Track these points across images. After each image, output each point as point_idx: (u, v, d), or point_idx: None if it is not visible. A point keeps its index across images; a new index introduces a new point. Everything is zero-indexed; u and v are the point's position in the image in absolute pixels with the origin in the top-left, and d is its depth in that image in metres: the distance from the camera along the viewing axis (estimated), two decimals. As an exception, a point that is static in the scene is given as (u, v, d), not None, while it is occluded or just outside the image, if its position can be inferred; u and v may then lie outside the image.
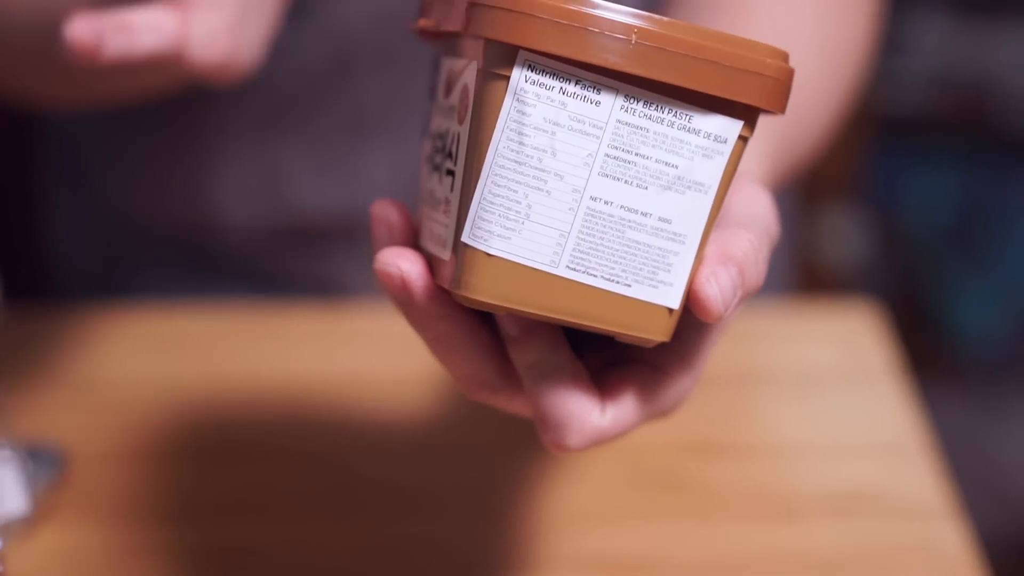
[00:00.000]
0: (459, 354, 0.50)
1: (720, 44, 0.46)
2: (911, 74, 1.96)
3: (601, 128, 0.46)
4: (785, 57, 0.47)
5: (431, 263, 0.49)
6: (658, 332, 0.48)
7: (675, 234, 0.47)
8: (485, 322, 0.51)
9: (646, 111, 0.46)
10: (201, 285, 0.92)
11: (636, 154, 0.46)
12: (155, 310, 0.86)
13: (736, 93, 0.46)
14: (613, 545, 0.69)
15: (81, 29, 0.56)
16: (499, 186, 0.46)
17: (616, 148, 0.46)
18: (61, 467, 0.71)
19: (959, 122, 1.98)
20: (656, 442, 0.76)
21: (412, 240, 0.52)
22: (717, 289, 0.47)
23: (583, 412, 0.49)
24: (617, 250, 0.47)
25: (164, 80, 0.71)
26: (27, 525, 0.68)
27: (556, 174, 0.46)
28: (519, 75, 0.45)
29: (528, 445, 0.75)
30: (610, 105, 0.46)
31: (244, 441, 0.76)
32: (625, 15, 0.45)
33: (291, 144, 0.87)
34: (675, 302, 0.48)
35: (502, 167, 0.46)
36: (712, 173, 0.47)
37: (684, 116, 0.46)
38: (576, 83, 0.45)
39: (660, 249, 0.47)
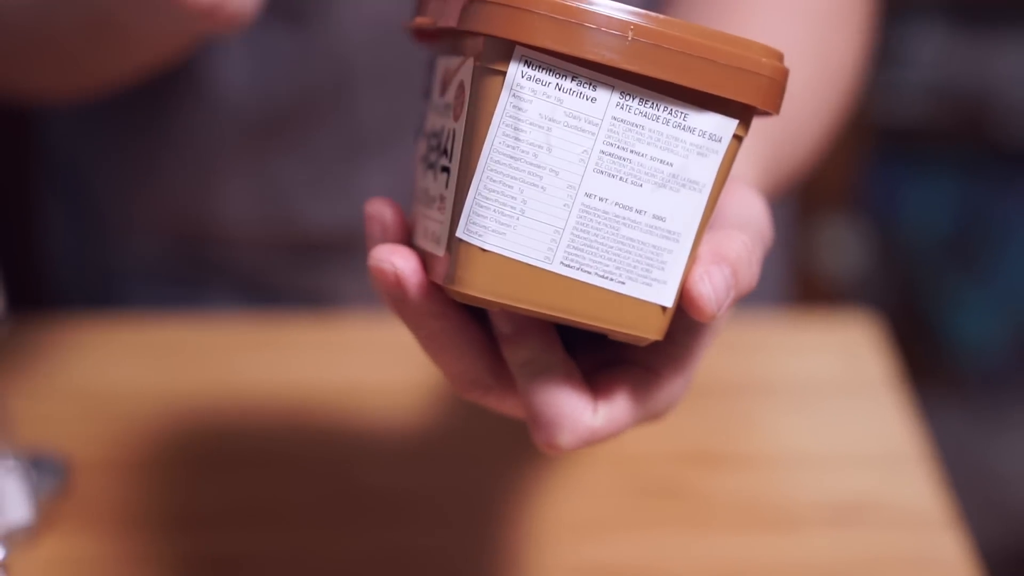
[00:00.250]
0: (451, 352, 0.50)
1: (716, 42, 0.46)
2: (910, 85, 1.96)
3: (597, 125, 0.46)
4: (780, 57, 0.47)
5: (425, 260, 0.49)
6: (651, 330, 0.48)
7: (669, 232, 0.47)
8: (478, 321, 0.51)
9: (642, 108, 0.46)
10: (196, 297, 0.92)
11: (631, 151, 0.46)
12: (154, 320, 0.86)
13: (731, 91, 0.46)
14: (611, 554, 0.69)
15: None
16: (494, 181, 0.46)
17: (611, 145, 0.46)
18: (63, 476, 0.71)
19: (958, 133, 1.98)
20: (654, 452, 0.76)
21: (406, 239, 0.52)
22: (711, 288, 0.47)
23: (575, 411, 0.49)
24: (611, 247, 0.47)
25: (160, 51, 0.70)
26: (30, 534, 0.69)
27: (551, 170, 0.46)
28: (515, 70, 0.45)
29: (526, 453, 0.76)
30: (606, 102, 0.46)
31: (243, 450, 0.76)
32: (621, 12, 0.45)
33: (288, 159, 0.87)
34: (668, 300, 0.48)
35: (497, 163, 0.46)
36: (707, 172, 0.47)
37: (679, 114, 0.46)
38: (572, 79, 0.46)
39: (654, 247, 0.47)
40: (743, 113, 0.47)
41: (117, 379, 0.81)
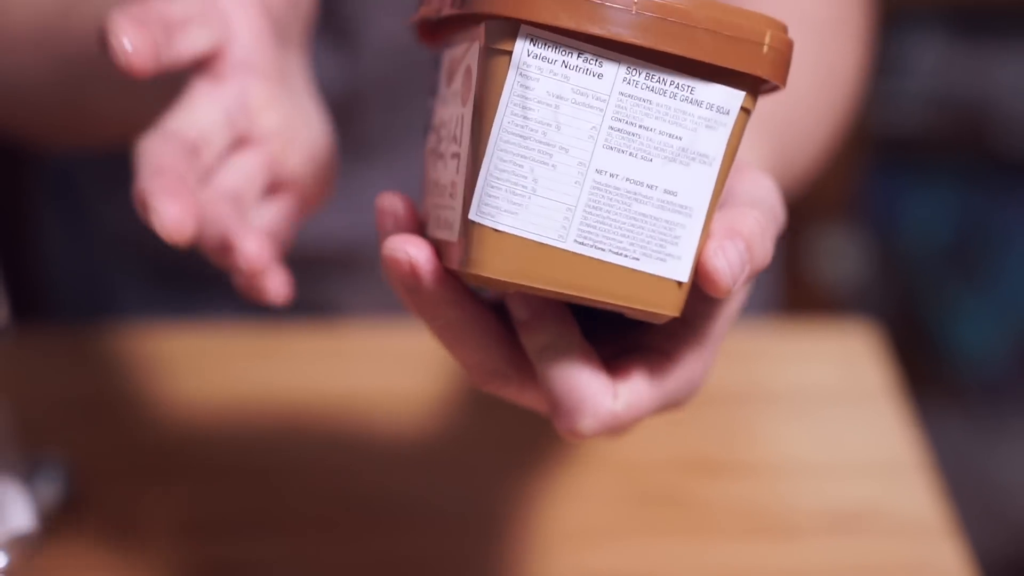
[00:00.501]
0: (468, 342, 0.50)
1: (720, 14, 0.46)
2: (909, 95, 1.96)
3: (604, 100, 0.46)
4: (784, 28, 0.47)
5: (439, 249, 0.49)
6: (668, 306, 0.48)
7: (681, 206, 0.47)
8: (494, 309, 0.51)
9: (648, 82, 0.46)
10: (196, 308, 0.92)
11: (640, 126, 0.46)
12: (155, 330, 0.87)
13: (737, 63, 0.46)
14: (612, 561, 0.69)
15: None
16: (505, 161, 0.46)
17: (620, 120, 0.46)
18: (66, 484, 0.71)
19: (957, 142, 1.98)
20: (655, 459, 0.76)
21: (419, 231, 0.51)
22: (725, 262, 0.47)
23: (596, 395, 0.48)
24: (624, 223, 0.47)
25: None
26: (32, 542, 0.69)
27: (561, 147, 0.46)
28: (521, 49, 0.45)
29: (529, 461, 0.76)
30: (613, 77, 0.46)
31: (245, 458, 0.76)
32: None
33: None
34: (684, 275, 0.47)
35: (507, 142, 0.46)
36: (716, 144, 0.47)
37: (686, 87, 0.46)
38: (578, 55, 0.45)
39: (667, 222, 0.47)
40: (750, 85, 0.47)
41: (119, 388, 0.82)
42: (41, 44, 0.72)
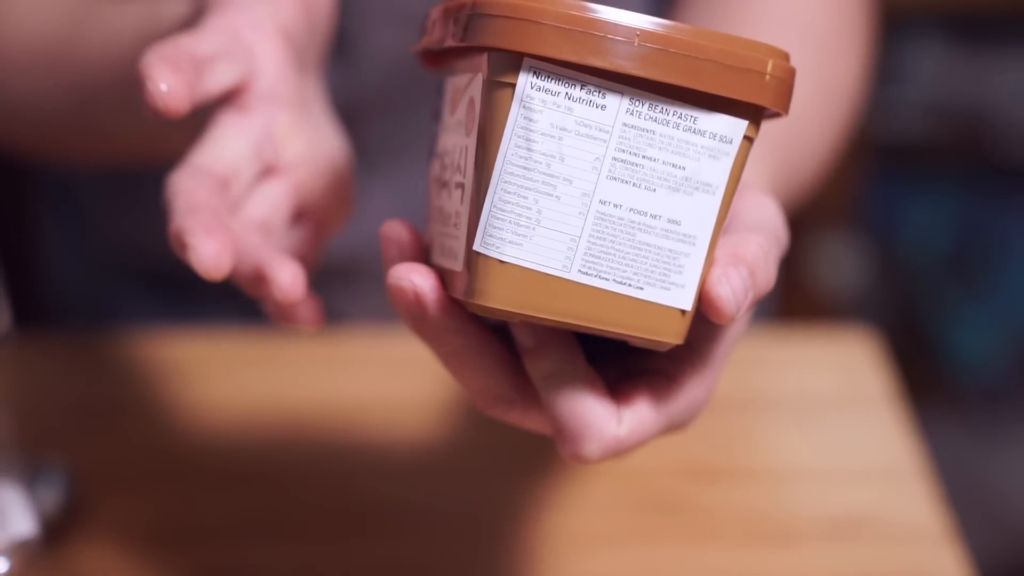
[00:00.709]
0: (474, 368, 0.50)
1: (722, 44, 0.46)
2: (909, 103, 1.97)
3: (608, 131, 0.46)
4: (786, 57, 0.47)
5: (444, 277, 0.49)
6: (671, 334, 0.48)
7: (685, 235, 0.47)
8: (499, 335, 0.51)
9: (651, 113, 0.46)
10: (197, 316, 0.92)
11: (643, 156, 0.46)
12: (156, 336, 0.87)
13: (739, 92, 0.46)
14: (613, 568, 0.69)
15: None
16: (509, 193, 0.46)
17: (623, 151, 0.46)
18: (67, 490, 0.72)
19: (957, 150, 1.98)
20: (655, 466, 0.76)
21: (423, 258, 0.52)
22: (729, 289, 0.47)
23: (600, 421, 0.49)
24: (628, 253, 0.47)
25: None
26: (34, 547, 0.69)
27: (565, 179, 0.46)
28: (524, 81, 0.46)
29: (528, 468, 0.76)
30: (616, 108, 0.46)
31: (246, 464, 0.76)
32: (627, 18, 0.45)
33: None
34: (687, 303, 0.48)
35: (511, 174, 0.46)
36: (719, 174, 0.47)
37: (689, 117, 0.46)
38: (581, 87, 0.46)
39: (670, 251, 0.47)
40: (753, 114, 0.47)
41: (121, 395, 0.82)
42: (47, 68, 0.72)
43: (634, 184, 0.47)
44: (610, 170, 0.46)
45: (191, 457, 0.76)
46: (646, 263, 0.47)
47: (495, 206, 0.46)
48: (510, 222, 0.46)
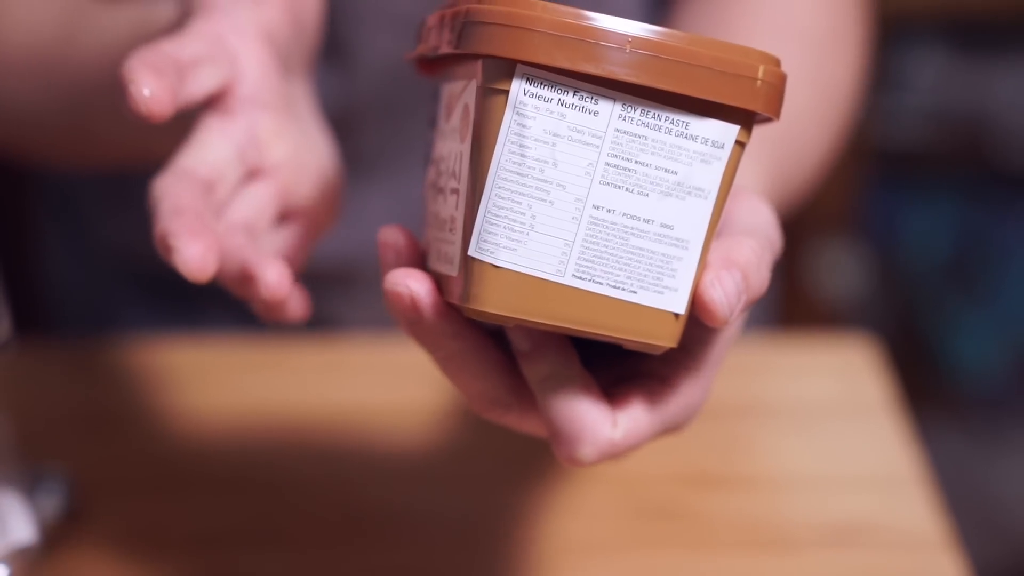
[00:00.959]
0: (470, 372, 0.50)
1: (713, 50, 0.46)
2: (909, 110, 1.97)
3: (600, 137, 0.46)
4: (777, 62, 0.48)
5: (440, 283, 0.50)
6: (665, 337, 0.48)
7: (678, 240, 0.48)
8: (495, 339, 0.51)
9: (644, 119, 0.47)
10: (196, 322, 0.92)
11: (636, 162, 0.47)
12: (155, 343, 0.87)
13: (731, 97, 0.47)
14: (612, 575, 0.69)
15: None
16: (503, 199, 0.46)
17: (616, 156, 0.47)
18: (68, 497, 0.72)
19: (957, 157, 1.98)
20: (654, 473, 0.76)
21: (420, 264, 0.52)
22: (722, 293, 0.48)
23: (595, 424, 0.49)
24: (621, 257, 0.47)
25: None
26: (33, 555, 0.69)
27: (558, 184, 0.46)
28: (518, 88, 0.46)
29: (528, 475, 0.76)
30: (608, 114, 0.46)
31: (245, 471, 0.76)
32: (619, 25, 0.46)
33: None
34: (681, 307, 0.48)
35: (505, 180, 0.46)
36: (711, 178, 0.48)
37: (681, 123, 0.47)
38: (574, 94, 0.46)
39: (664, 255, 0.48)
40: (744, 119, 0.48)
41: (121, 402, 0.82)
42: (41, 71, 0.72)
43: (627, 189, 0.47)
44: (603, 175, 0.47)
45: (190, 464, 0.76)
46: (639, 267, 0.47)
47: (489, 211, 0.46)
48: (504, 227, 0.46)
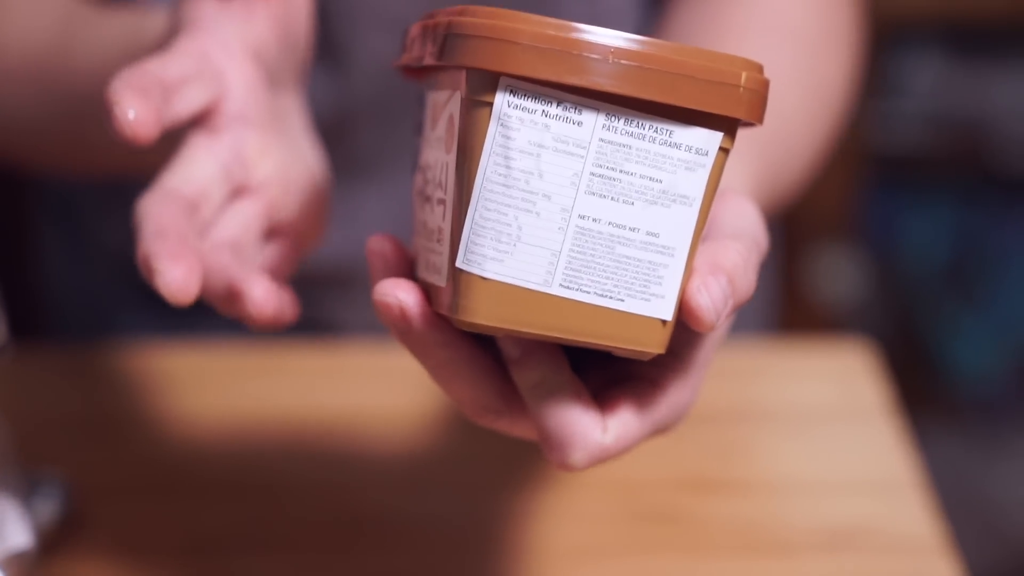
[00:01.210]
0: (461, 379, 0.51)
1: (696, 59, 0.46)
2: (907, 114, 1.97)
3: (585, 147, 0.47)
4: (760, 69, 0.48)
5: (429, 292, 0.50)
6: (653, 344, 0.49)
7: (664, 247, 0.48)
8: (485, 346, 0.52)
9: (628, 128, 0.47)
10: (194, 327, 0.92)
11: (621, 171, 0.47)
12: (153, 348, 0.87)
13: (714, 105, 0.47)
14: (610, 580, 0.69)
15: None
16: (489, 210, 0.47)
17: (601, 166, 0.47)
18: (65, 502, 0.72)
19: (955, 162, 1.99)
20: (651, 478, 0.76)
21: (408, 272, 0.52)
22: (708, 299, 0.48)
23: (586, 430, 0.50)
24: (608, 266, 0.48)
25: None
26: (30, 560, 0.69)
27: (544, 195, 0.47)
28: (502, 100, 0.46)
29: (524, 479, 0.76)
30: (592, 124, 0.47)
31: (243, 475, 0.76)
32: (602, 36, 0.46)
33: None
34: (668, 314, 0.48)
35: (491, 191, 0.47)
36: (696, 185, 0.48)
37: (665, 131, 0.47)
38: (558, 104, 0.46)
39: (650, 263, 0.48)
40: (727, 126, 0.48)
41: (118, 407, 0.82)
42: (35, 79, 0.72)
43: (612, 198, 0.47)
44: (588, 185, 0.47)
45: (188, 469, 0.76)
46: (626, 275, 0.48)
47: (476, 223, 0.47)
48: (491, 239, 0.47)
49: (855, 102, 0.80)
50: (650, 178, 0.47)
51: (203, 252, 0.56)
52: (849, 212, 1.88)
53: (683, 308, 0.48)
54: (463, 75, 0.47)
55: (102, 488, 0.75)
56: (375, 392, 0.83)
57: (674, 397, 0.52)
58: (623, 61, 0.46)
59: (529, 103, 0.46)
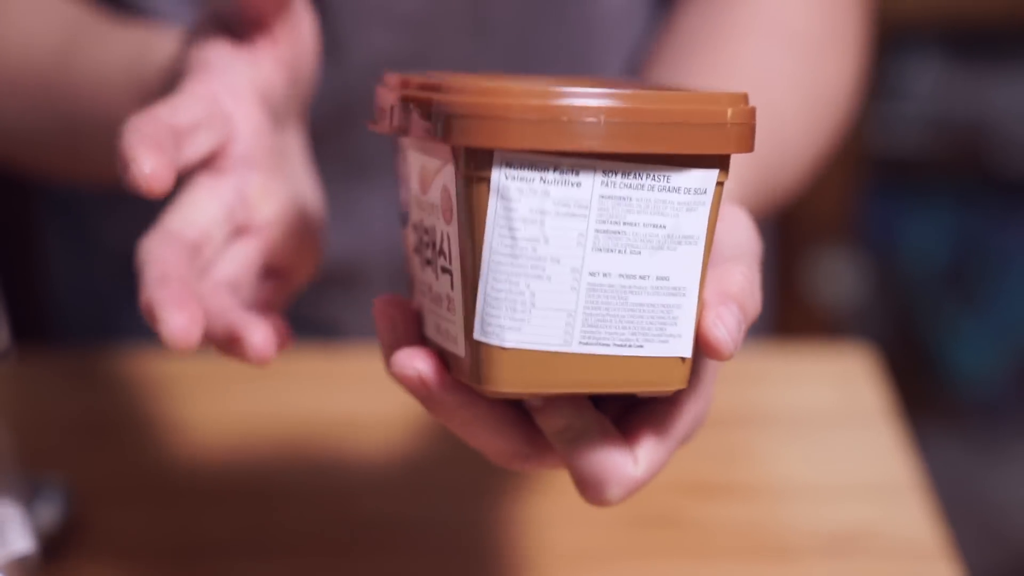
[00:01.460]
0: (487, 434, 0.51)
1: (682, 105, 0.47)
2: (907, 117, 1.97)
3: (586, 207, 0.47)
4: (746, 99, 0.48)
5: (444, 357, 0.50)
6: (675, 381, 0.49)
7: (675, 288, 0.48)
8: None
9: (626, 181, 0.47)
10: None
11: (624, 223, 0.47)
12: (155, 352, 0.87)
13: (706, 147, 0.47)
14: (611, 584, 0.69)
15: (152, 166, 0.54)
16: (500, 281, 0.47)
17: (604, 222, 0.47)
18: (66, 506, 0.72)
19: (955, 165, 1.99)
20: (652, 482, 0.76)
21: (416, 331, 0.53)
22: (725, 331, 0.49)
23: (619, 467, 0.50)
24: (624, 316, 0.48)
25: None
26: (32, 565, 0.69)
27: (552, 259, 0.47)
28: (499, 174, 0.46)
29: (524, 484, 0.76)
30: (591, 184, 0.47)
31: (242, 479, 0.76)
32: (590, 98, 0.46)
33: None
34: (687, 351, 0.49)
35: (499, 263, 0.47)
36: (698, 224, 0.48)
37: (662, 177, 0.47)
38: (555, 170, 0.46)
39: (664, 306, 0.48)
40: (721, 162, 0.48)
41: (120, 411, 0.82)
42: (36, 91, 0.73)
43: (619, 251, 0.47)
44: (595, 242, 0.47)
45: (189, 474, 0.76)
46: (642, 322, 0.48)
47: (488, 295, 0.47)
48: (506, 308, 0.47)
49: (860, 102, 0.80)
50: (654, 225, 0.48)
51: (203, 294, 0.57)
52: (849, 215, 1.88)
53: (701, 342, 0.49)
54: (458, 151, 0.47)
55: (103, 493, 0.75)
56: (373, 397, 0.83)
57: (691, 411, 0.52)
58: (615, 120, 0.46)
59: (527, 173, 0.46)
